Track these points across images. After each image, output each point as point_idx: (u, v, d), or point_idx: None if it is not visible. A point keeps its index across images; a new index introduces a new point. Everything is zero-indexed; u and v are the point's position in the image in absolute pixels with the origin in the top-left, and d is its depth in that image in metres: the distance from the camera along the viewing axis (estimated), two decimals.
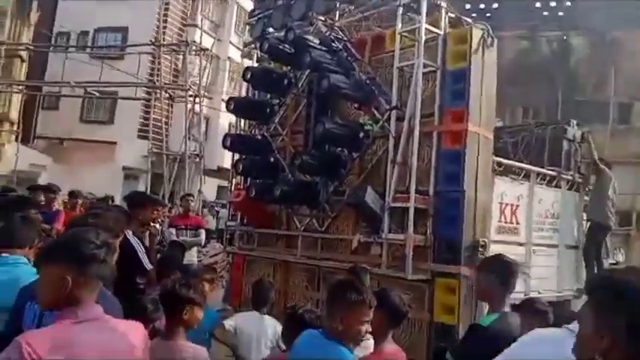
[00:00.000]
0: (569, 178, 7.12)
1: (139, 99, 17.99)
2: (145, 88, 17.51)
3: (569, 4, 23.81)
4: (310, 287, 6.12)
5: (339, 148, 5.83)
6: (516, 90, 17.17)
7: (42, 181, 16.50)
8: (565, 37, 23.13)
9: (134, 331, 1.88)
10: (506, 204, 6.08)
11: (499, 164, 5.90)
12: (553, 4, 24.22)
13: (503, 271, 2.90)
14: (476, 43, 5.03)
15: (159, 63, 16.44)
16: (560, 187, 6.97)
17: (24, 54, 17.35)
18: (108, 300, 2.13)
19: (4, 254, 2.69)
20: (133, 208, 4.67)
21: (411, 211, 4.91)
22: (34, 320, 2.04)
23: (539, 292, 6.54)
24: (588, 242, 7.21)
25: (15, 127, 17.26)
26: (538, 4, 24.34)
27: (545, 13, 24.39)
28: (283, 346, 3.45)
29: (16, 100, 17.45)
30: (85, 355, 1.66)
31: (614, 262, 8.92)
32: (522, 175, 6.38)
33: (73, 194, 8.17)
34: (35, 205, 5.38)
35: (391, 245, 5.11)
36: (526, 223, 6.34)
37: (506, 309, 2.89)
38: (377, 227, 5.25)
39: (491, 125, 5.43)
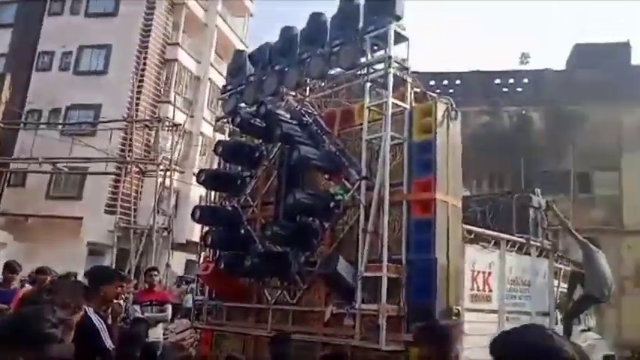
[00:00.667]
0: (538, 244, 7.24)
1: (109, 173, 17.87)
2: (116, 163, 17.45)
3: (526, 80, 25.33)
4: None
5: (310, 218, 5.83)
6: (481, 161, 17.76)
7: (1, 258, 15.86)
8: (524, 112, 24.39)
9: None
10: (478, 271, 6.10)
11: (469, 232, 5.98)
12: (511, 80, 25.74)
13: (435, 337, 2.97)
14: (440, 115, 5.26)
15: (131, 138, 16.53)
16: (529, 254, 7.06)
17: None
18: None
19: None
20: (95, 283, 4.47)
21: (384, 281, 4.86)
22: None
23: None
24: (574, 310, 7.26)
25: None
26: (498, 81, 25.81)
27: (505, 90, 25.84)
28: None
29: None
30: None
31: (585, 327, 8.91)
32: (492, 242, 6.46)
33: (42, 270, 7.85)
34: None
35: (364, 316, 5.01)
36: (498, 290, 6.34)
37: None
38: (350, 298, 5.17)
39: (459, 194, 5.56)
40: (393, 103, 5.34)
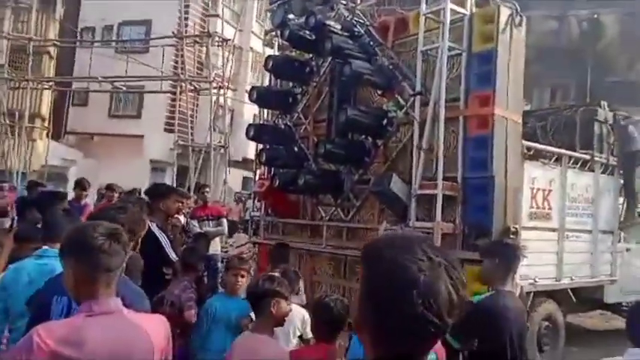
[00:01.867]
0: (603, 161, 6.87)
1: (164, 92, 18.14)
2: (171, 81, 17.63)
3: None
4: (336, 275, 6.08)
5: (363, 136, 5.73)
6: (544, 72, 16.69)
7: (72, 175, 16.88)
8: (595, 15, 22.34)
9: (153, 325, 1.83)
10: (538, 189, 5.91)
11: (529, 149, 5.73)
12: None
13: (505, 254, 3.01)
14: (503, 22, 4.86)
15: (182, 55, 16.50)
16: (593, 171, 6.74)
17: (52, 50, 17.66)
18: (132, 292, 2.11)
19: (45, 247, 2.73)
20: (156, 199, 4.66)
21: (439, 198, 4.80)
22: (61, 314, 2.03)
23: (572, 279, 6.39)
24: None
25: (46, 124, 17.64)
26: None
27: None
28: (311, 335, 3.41)
29: (47, 96, 17.81)
30: (94, 348, 1.63)
31: None
32: (553, 159, 6.18)
33: (111, 187, 8.28)
34: (65, 199, 5.49)
35: None
36: (559, 208, 6.16)
37: (507, 289, 2.98)
38: (403, 215, 5.16)
39: (520, 109, 5.28)
40: (451, 9, 4.98)
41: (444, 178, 4.90)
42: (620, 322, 8.85)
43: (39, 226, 3.73)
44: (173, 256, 4.55)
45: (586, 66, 20.77)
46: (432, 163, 5.05)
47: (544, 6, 20.08)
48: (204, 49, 18.03)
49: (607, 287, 7.19)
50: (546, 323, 5.93)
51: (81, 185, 7.57)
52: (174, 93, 17.84)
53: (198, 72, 18.88)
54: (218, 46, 16.66)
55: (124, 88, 16.97)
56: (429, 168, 5.08)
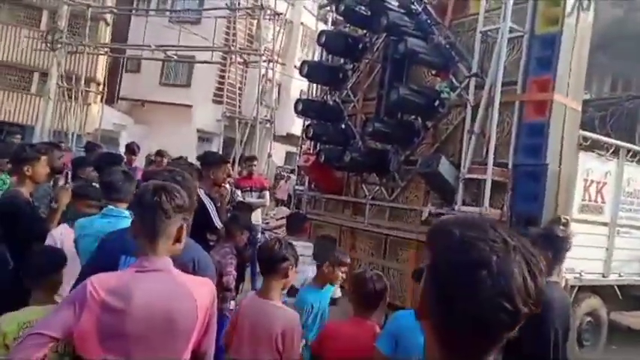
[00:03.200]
0: None
1: (214, 63, 18.33)
2: (221, 53, 17.80)
3: None
4: (376, 254, 6.08)
5: (413, 116, 5.65)
6: (605, 60, 15.90)
7: (122, 139, 17.43)
8: None
9: (199, 286, 1.89)
10: (592, 181, 5.71)
11: (585, 139, 5.52)
12: None
13: (555, 245, 2.92)
14: (570, 5, 4.64)
15: (234, 27, 16.59)
16: None
17: (108, 17, 18.10)
18: (204, 257, 2.19)
19: (110, 206, 2.84)
20: (207, 167, 4.76)
21: (488, 184, 4.70)
22: None
23: (620, 275, 6.19)
24: None
25: (100, 88, 18.20)
26: None
27: None
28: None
29: (102, 62, 18.34)
30: (140, 301, 1.71)
31: None
32: (611, 151, 5.94)
33: (160, 153, 8.51)
34: (122, 162, 5.70)
35: None
36: (612, 202, 5.94)
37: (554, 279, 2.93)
38: (449, 199, 5.09)
39: (580, 97, 5.07)
40: None
41: (495, 164, 4.78)
42: None
43: (95, 185, 3.86)
44: (218, 222, 4.66)
45: None
46: (482, 148, 4.93)
47: None
48: (255, 22, 18.06)
49: None
50: (589, 319, 5.80)
51: (131, 149, 7.81)
52: (224, 64, 18.02)
53: (249, 44, 18.98)
54: (269, 19, 16.64)
55: (176, 57, 17.24)
56: (479, 152, 4.96)
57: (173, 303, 1.77)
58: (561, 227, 4.65)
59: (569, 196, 5.01)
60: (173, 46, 16.60)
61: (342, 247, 6.50)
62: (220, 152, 15.28)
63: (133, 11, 19.68)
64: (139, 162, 9.35)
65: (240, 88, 18.42)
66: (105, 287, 1.70)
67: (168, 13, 20.14)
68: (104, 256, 2.25)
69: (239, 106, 17.82)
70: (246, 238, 4.53)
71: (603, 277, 5.83)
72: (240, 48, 16.70)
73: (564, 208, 4.89)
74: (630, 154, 6.19)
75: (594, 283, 5.77)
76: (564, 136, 4.77)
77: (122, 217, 2.76)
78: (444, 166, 4.96)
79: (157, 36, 17.22)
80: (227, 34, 18.49)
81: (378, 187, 6.10)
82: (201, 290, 1.88)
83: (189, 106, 20.00)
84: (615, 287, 6.14)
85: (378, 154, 5.92)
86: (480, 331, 0.91)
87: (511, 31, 4.80)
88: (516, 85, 4.87)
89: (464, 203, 4.93)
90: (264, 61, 15.86)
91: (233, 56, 16.50)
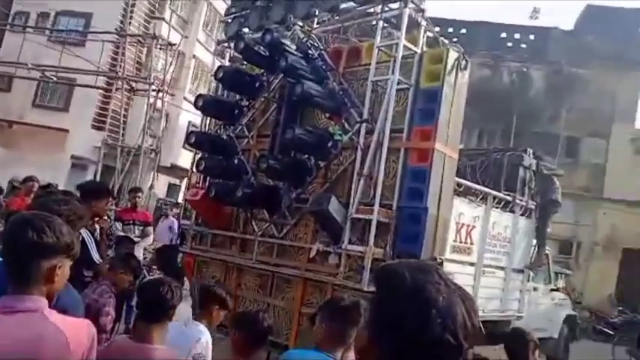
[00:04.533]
0: (523, 204, 7.37)
1: (98, 87, 17.41)
2: (106, 78, 16.98)
3: (532, 37, 24.85)
4: (262, 292, 6.03)
5: (306, 156, 5.80)
6: (474, 114, 17.69)
7: None
8: (525, 69, 24.11)
9: (73, 327, 1.75)
10: (463, 224, 6.23)
11: (459, 185, 6.04)
12: (517, 35, 25.21)
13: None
14: (451, 64, 5.14)
15: (123, 53, 15.99)
16: (514, 212, 7.20)
17: None
18: (69, 296, 2.02)
19: None
20: (87, 198, 4.45)
21: (374, 224, 4.93)
22: None
23: (484, 312, 6.72)
24: (542, 216, 7.68)
25: None
26: (504, 35, 25.28)
27: (509, 44, 25.37)
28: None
29: None
30: (3, 345, 1.57)
31: (555, 287, 9.30)
32: (480, 197, 6.56)
33: (29, 179, 7.81)
34: None
35: (350, 256, 5.11)
36: (479, 244, 6.51)
37: None
38: (337, 237, 5.25)
39: (457, 146, 5.55)
40: (404, 45, 5.20)
41: (381, 205, 5.04)
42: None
43: None
44: (97, 257, 4.37)
45: (513, 114, 22.27)
46: (369, 190, 5.19)
47: (479, 54, 21.42)
48: (145, 49, 17.59)
49: (514, 323, 7.62)
50: None
51: None
52: (108, 90, 17.19)
53: (137, 72, 18.34)
54: (161, 49, 16.32)
55: (55, 78, 16.12)
56: (367, 194, 5.21)
57: (42, 347, 1.62)
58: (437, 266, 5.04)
59: (444, 238, 5.40)
60: (53, 66, 15.55)
61: (226, 283, 6.37)
62: (98, 181, 14.38)
63: (8, 27, 18.15)
64: None
65: (124, 116, 17.61)
66: None
67: (48, 32, 18.86)
68: None
69: (122, 134, 16.97)
70: (130, 279, 4.27)
71: None
72: (127, 75, 16.09)
73: (440, 248, 5.26)
74: (496, 200, 6.88)
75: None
76: (443, 181, 5.18)
77: None
78: (334, 206, 5.12)
79: (34, 54, 16.01)
80: (114, 59, 17.71)
81: (267, 224, 6.11)
82: (77, 333, 1.74)
83: (66, 131, 18.65)
84: (479, 323, 6.64)
85: (270, 191, 5.97)
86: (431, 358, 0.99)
87: (399, 83, 5.17)
88: (402, 133, 5.23)
89: (350, 242, 5.11)
90: (154, 90, 15.43)
91: (120, 82, 15.83)
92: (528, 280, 7.91)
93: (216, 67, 6.67)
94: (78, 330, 1.77)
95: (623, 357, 10.83)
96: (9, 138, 18.75)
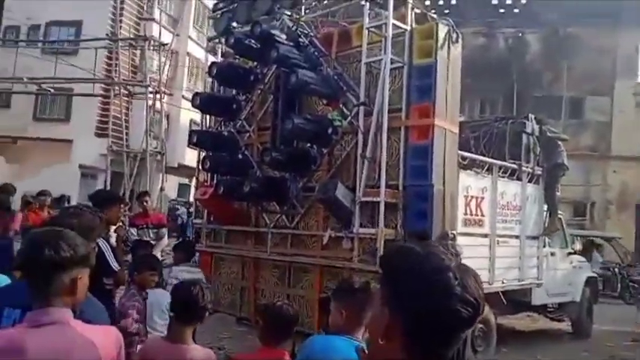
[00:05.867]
0: (530, 170, 7.36)
1: (96, 95, 17.44)
2: (103, 84, 16.99)
3: (524, 1, 24.49)
4: (281, 283, 6.10)
5: (308, 144, 5.82)
6: (474, 85, 17.57)
7: None
8: (520, 34, 23.82)
9: (102, 336, 1.80)
10: (472, 197, 6.25)
11: (463, 158, 6.06)
12: (509, 1, 24.87)
13: None
14: (442, 38, 5.12)
15: (116, 58, 15.98)
16: (521, 180, 7.20)
17: None
18: (92, 306, 2.06)
19: None
20: (100, 207, 4.52)
21: (382, 206, 4.96)
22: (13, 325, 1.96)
23: (503, 282, 6.77)
24: (550, 181, 7.68)
25: None
26: (495, 1, 24.95)
27: (502, 10, 25.02)
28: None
29: None
30: (34, 358, 1.60)
31: (571, 250, 9.29)
32: (485, 168, 6.56)
33: (42, 193, 7.92)
34: None
35: (362, 240, 5.16)
36: (490, 215, 6.53)
37: None
38: (347, 222, 5.29)
39: (457, 120, 5.55)
40: (393, 24, 5.18)
41: (387, 186, 5.07)
42: (545, 323, 9.48)
43: None
44: (115, 265, 4.43)
45: (513, 80, 22.07)
46: (375, 171, 5.22)
47: (474, 24, 21.18)
48: (138, 52, 17.57)
49: (534, 290, 7.67)
50: (480, 325, 6.22)
51: (7, 191, 7.19)
52: (107, 97, 17.22)
53: (133, 75, 18.34)
54: (154, 49, 16.28)
55: (52, 90, 16.16)
56: (372, 176, 5.24)
57: (73, 358, 1.67)
58: (449, 241, 5.07)
59: (453, 212, 5.43)
60: (48, 78, 15.57)
61: (245, 279, 6.46)
62: (108, 188, 14.50)
63: (0, 42, 18.16)
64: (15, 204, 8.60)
65: (126, 120, 17.67)
66: None
67: (40, 44, 18.86)
68: None
69: (126, 139, 17.04)
70: (156, 279, 4.36)
71: (489, 284, 6.33)
72: (123, 79, 16.11)
73: (450, 223, 5.29)
74: (502, 170, 6.88)
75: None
76: (446, 156, 5.19)
77: None
78: (341, 191, 5.16)
79: (28, 67, 16.04)
80: (109, 65, 17.72)
81: (278, 216, 6.16)
82: (106, 340, 1.79)
83: (70, 141, 18.75)
84: (500, 293, 6.70)
85: (277, 183, 6.00)
86: (455, 326, 1.05)
87: (392, 62, 5.17)
88: (401, 112, 5.24)
89: (361, 225, 5.15)
90: (151, 92, 15.44)
91: (117, 88, 15.85)
92: (544, 246, 7.94)
93: (209, 64, 6.67)
94: (106, 337, 1.81)
95: None
96: (15, 153, 18.89)
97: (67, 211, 2.61)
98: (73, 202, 11.68)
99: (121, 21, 18.29)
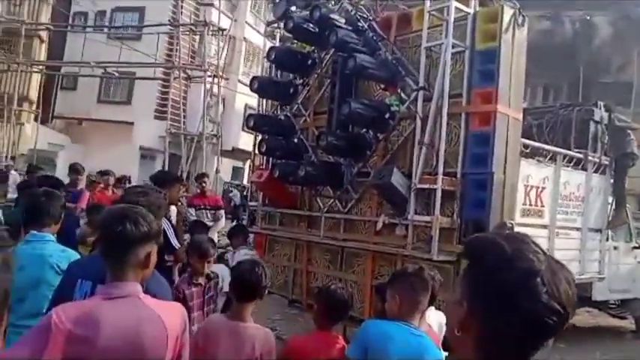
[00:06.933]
0: (596, 160, 7.03)
1: (157, 79, 18.03)
2: (163, 69, 17.51)
3: None
4: (332, 267, 6.14)
5: (364, 129, 5.78)
6: (537, 70, 16.84)
7: (60, 160, 16.74)
8: (588, 17, 22.60)
9: (169, 312, 1.86)
10: (532, 186, 6.04)
11: (525, 146, 5.85)
12: None
13: None
14: (507, 22, 4.92)
15: (177, 43, 16.39)
16: (586, 170, 6.89)
17: (43, 34, 17.43)
18: (156, 282, 2.15)
19: (33, 231, 2.77)
20: (161, 187, 4.67)
21: (438, 193, 4.87)
22: (84, 297, 2.07)
23: None
24: (619, 174, 7.33)
25: (34, 107, 17.43)
26: None
27: None
28: None
29: (36, 80, 17.59)
30: (107, 329, 1.68)
31: (636, 244, 8.83)
32: (548, 157, 6.31)
33: (106, 172, 8.28)
34: (62, 185, 5.49)
35: (416, 227, 5.09)
36: (551, 205, 6.30)
37: None
38: (402, 209, 5.23)
39: (520, 106, 5.35)
40: (455, 7, 5.02)
41: (444, 173, 4.96)
42: (605, 320, 9.09)
43: None
44: (176, 243, 4.59)
45: (579, 66, 21.02)
46: (432, 158, 5.11)
47: (539, 6, 20.25)
48: (197, 37, 17.94)
49: (595, 285, 7.36)
50: None
51: (75, 170, 7.54)
52: (166, 80, 17.75)
53: (192, 60, 18.79)
54: (212, 35, 16.58)
55: (117, 74, 16.81)
56: (429, 163, 5.14)
57: (142, 331, 1.74)
58: (507, 231, 4.92)
59: (512, 202, 5.26)
60: (113, 62, 16.22)
61: (298, 262, 6.55)
62: (166, 169, 14.99)
63: (70, 28, 19.01)
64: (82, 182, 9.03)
65: (184, 104, 18.16)
66: (70, 317, 1.66)
67: (106, 29, 19.63)
68: (66, 282, 2.23)
69: (183, 122, 17.53)
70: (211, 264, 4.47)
71: None
72: (183, 64, 16.52)
73: (509, 213, 5.13)
74: (566, 159, 6.60)
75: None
76: (508, 144, 5.01)
77: (46, 241, 2.74)
78: (396, 177, 5.09)
79: (95, 52, 16.74)
80: (170, 49, 18.22)
81: (332, 200, 6.17)
82: (172, 316, 1.86)
83: (131, 123, 19.50)
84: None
85: (332, 168, 6.01)
86: (537, 334, 0.99)
87: (453, 46, 5.02)
88: (462, 98, 5.09)
89: (416, 212, 5.08)
90: (209, 76, 15.76)
91: (176, 72, 16.29)
92: (607, 240, 7.59)
93: (267, 49, 6.71)
94: (172, 313, 1.88)
95: None
96: (80, 134, 19.87)
97: (134, 189, 2.70)
98: (134, 183, 12.14)
99: (181, 7, 18.73)
